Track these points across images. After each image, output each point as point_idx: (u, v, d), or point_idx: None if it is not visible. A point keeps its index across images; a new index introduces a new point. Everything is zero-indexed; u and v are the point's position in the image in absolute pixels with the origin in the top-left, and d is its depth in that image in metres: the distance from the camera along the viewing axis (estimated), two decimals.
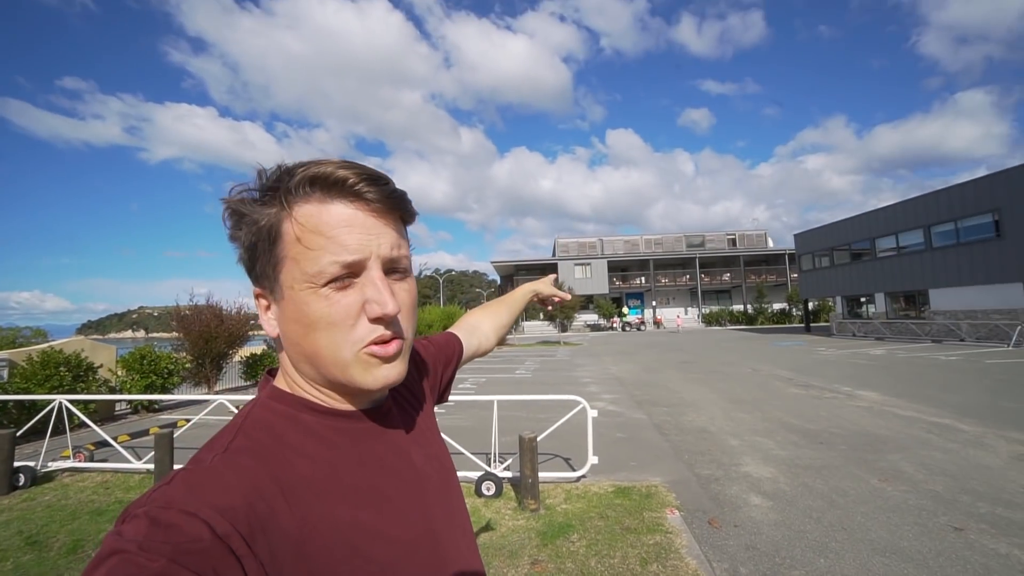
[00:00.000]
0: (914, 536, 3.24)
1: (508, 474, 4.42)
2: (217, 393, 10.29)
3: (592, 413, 4.44)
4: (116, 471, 5.22)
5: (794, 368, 12.12)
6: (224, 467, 0.47)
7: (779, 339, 22.71)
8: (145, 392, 8.46)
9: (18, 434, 4.99)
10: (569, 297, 1.30)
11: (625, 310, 40.89)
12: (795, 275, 33.77)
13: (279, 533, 0.45)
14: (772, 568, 2.92)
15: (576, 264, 42.36)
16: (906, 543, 3.15)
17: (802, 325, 30.77)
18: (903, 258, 20.38)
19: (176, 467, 0.57)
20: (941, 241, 18.56)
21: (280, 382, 0.59)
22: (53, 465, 5.23)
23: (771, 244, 45.05)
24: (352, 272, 0.51)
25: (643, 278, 43.31)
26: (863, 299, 23.95)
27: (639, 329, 38.58)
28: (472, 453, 4.60)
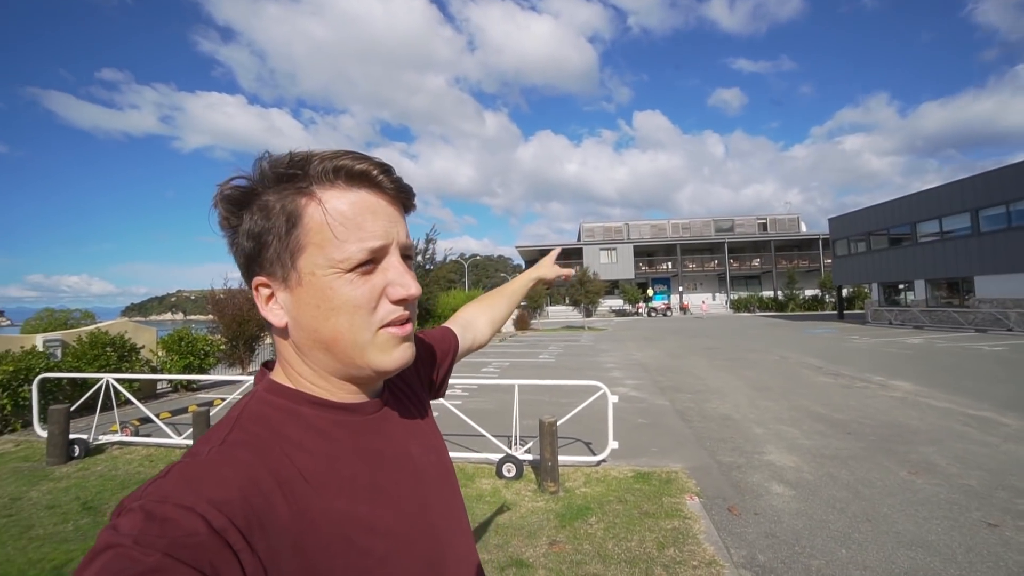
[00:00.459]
0: (943, 530, 3.16)
1: (529, 457, 4.49)
2: (250, 374, 10.71)
3: (613, 399, 4.46)
4: (159, 445, 5.54)
5: (824, 356, 11.81)
6: (220, 460, 0.46)
7: (810, 326, 22.09)
8: (183, 372, 8.89)
9: (72, 409, 5.34)
10: (572, 272, 1.28)
11: (650, 292, 40.37)
12: (829, 261, 32.70)
13: (276, 527, 0.45)
14: (791, 556, 2.91)
15: (602, 249, 41.92)
16: (934, 537, 3.08)
17: (835, 312, 29.80)
18: (947, 243, 19.40)
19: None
20: (990, 225, 17.56)
21: (279, 375, 0.58)
22: (103, 438, 5.58)
23: (804, 229, 43.53)
24: (375, 258, 0.53)
25: (670, 263, 42.58)
26: (901, 286, 23.01)
27: (665, 315, 38.07)
28: (494, 436, 4.69)
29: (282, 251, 0.52)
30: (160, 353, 9.13)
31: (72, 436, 5.21)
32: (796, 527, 3.26)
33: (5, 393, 6.39)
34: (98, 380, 5.92)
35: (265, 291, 0.55)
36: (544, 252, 42.80)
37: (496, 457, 4.47)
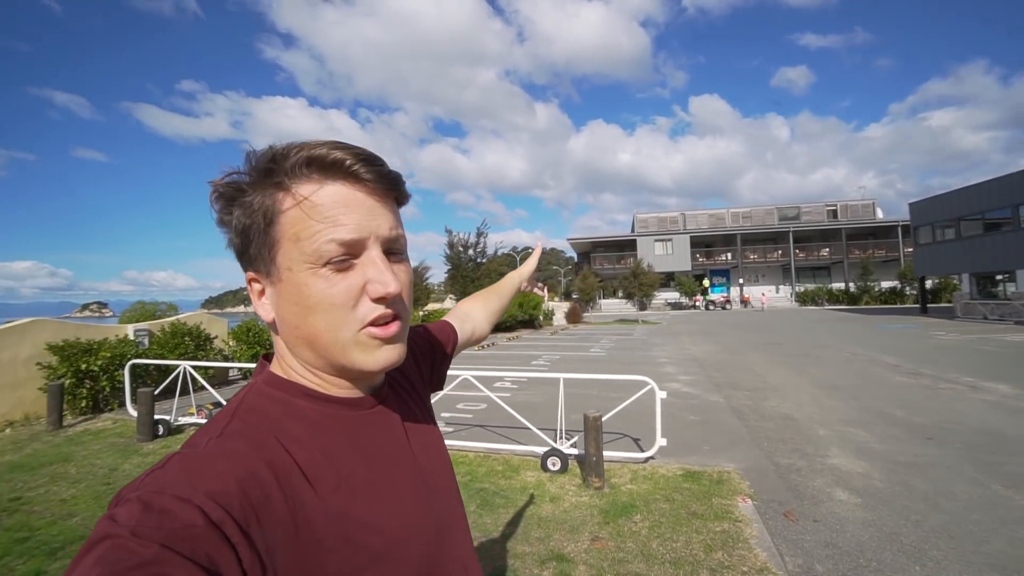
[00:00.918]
0: None
1: (574, 451, 4.45)
2: None
3: (661, 394, 4.32)
4: None
5: (903, 354, 10.85)
6: (218, 452, 0.46)
7: (887, 321, 20.37)
8: (251, 361, 9.55)
9: (156, 392, 5.87)
10: (543, 294, 1.41)
11: (705, 283, 38.74)
12: (910, 249, 29.89)
13: (272, 520, 0.45)
14: (854, 570, 2.70)
15: (656, 240, 40.66)
16: None
17: (917, 306, 27.29)
18: None
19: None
20: None
21: (276, 368, 0.58)
22: (182, 420, 6.10)
23: (880, 215, 40.08)
24: (352, 253, 0.51)
25: (729, 254, 40.61)
26: (999, 276, 20.66)
27: (724, 308, 36.47)
28: (540, 429, 4.69)
29: (262, 247, 0.52)
30: (231, 343, 9.84)
31: (156, 417, 5.74)
32: (861, 538, 3.03)
33: (104, 376, 7.14)
34: (177, 367, 6.47)
35: (256, 286, 0.55)
36: (596, 244, 42.13)
37: (541, 450, 4.46)
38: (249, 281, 0.56)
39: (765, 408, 6.39)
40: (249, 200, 0.52)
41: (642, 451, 4.62)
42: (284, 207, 0.51)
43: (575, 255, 52.12)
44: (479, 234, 24.58)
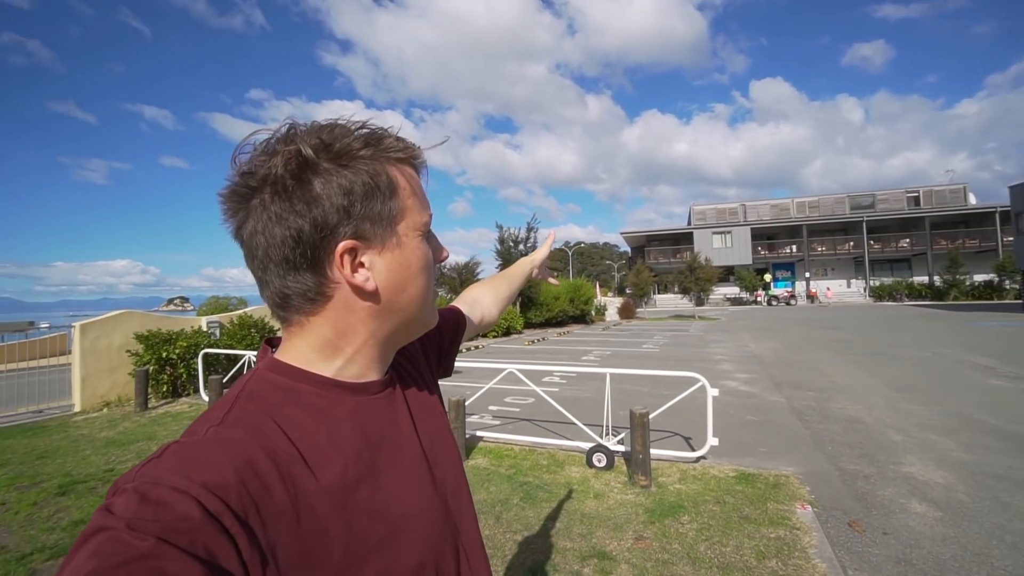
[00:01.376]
0: None
1: (621, 448, 4.35)
2: None
3: (712, 392, 4.12)
4: None
5: (998, 354, 9.75)
6: (216, 441, 0.45)
7: (980, 318, 18.40)
8: None
9: (224, 380, 6.33)
10: (556, 282, 1.37)
11: (767, 277, 36.64)
12: (1010, 238, 26.80)
13: (272, 510, 0.44)
14: None
15: (714, 232, 38.98)
16: None
17: (1018, 302, 24.47)
18: None
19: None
20: None
21: (283, 354, 0.56)
22: None
23: (973, 201, 36.18)
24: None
25: (794, 246, 38.17)
26: None
27: (788, 303, 34.39)
28: (586, 425, 4.62)
29: (382, 213, 0.54)
30: None
31: None
32: (941, 556, 2.74)
33: (181, 364, 7.79)
34: (243, 356, 6.93)
35: (349, 257, 0.52)
36: (651, 238, 41.09)
37: (587, 446, 4.40)
38: (347, 251, 0.52)
39: (831, 409, 5.96)
40: (366, 168, 0.53)
41: (693, 450, 4.44)
42: (400, 180, 0.56)
43: (629, 249, 50.98)
44: (529, 229, 24.60)
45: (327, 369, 0.55)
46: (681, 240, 41.00)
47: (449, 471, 0.65)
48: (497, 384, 5.34)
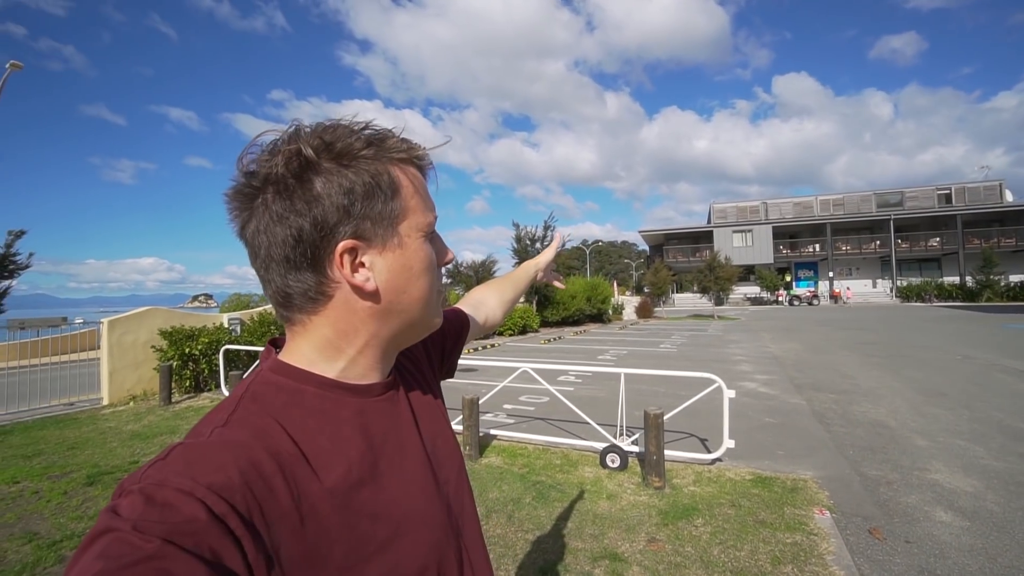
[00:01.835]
0: None
1: (635, 449, 4.32)
2: None
3: (729, 393, 4.06)
4: None
5: None
6: (222, 442, 0.46)
7: (1015, 320, 17.72)
8: None
9: (244, 376, 6.46)
10: (562, 285, 1.34)
11: (787, 277, 35.84)
12: None
13: (276, 512, 0.44)
14: None
15: (735, 231, 38.33)
16: None
17: None
18: None
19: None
20: None
21: (286, 355, 0.56)
22: None
23: (1009, 198, 34.80)
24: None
25: (817, 245, 37.29)
26: None
27: (811, 303, 33.64)
28: (600, 424, 4.59)
29: (384, 214, 0.53)
30: None
31: None
32: (967, 567, 2.65)
33: (204, 360, 7.98)
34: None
35: (349, 257, 0.52)
36: (670, 236, 40.54)
37: (601, 446, 4.37)
38: (347, 250, 0.52)
39: (853, 413, 5.81)
40: (368, 168, 0.53)
41: (708, 452, 4.38)
42: (403, 181, 0.56)
43: (647, 248, 50.46)
44: (546, 227, 24.56)
45: (329, 370, 0.55)
46: (701, 239, 40.40)
47: (451, 472, 0.65)
48: (512, 382, 5.34)
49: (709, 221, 41.59)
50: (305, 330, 0.55)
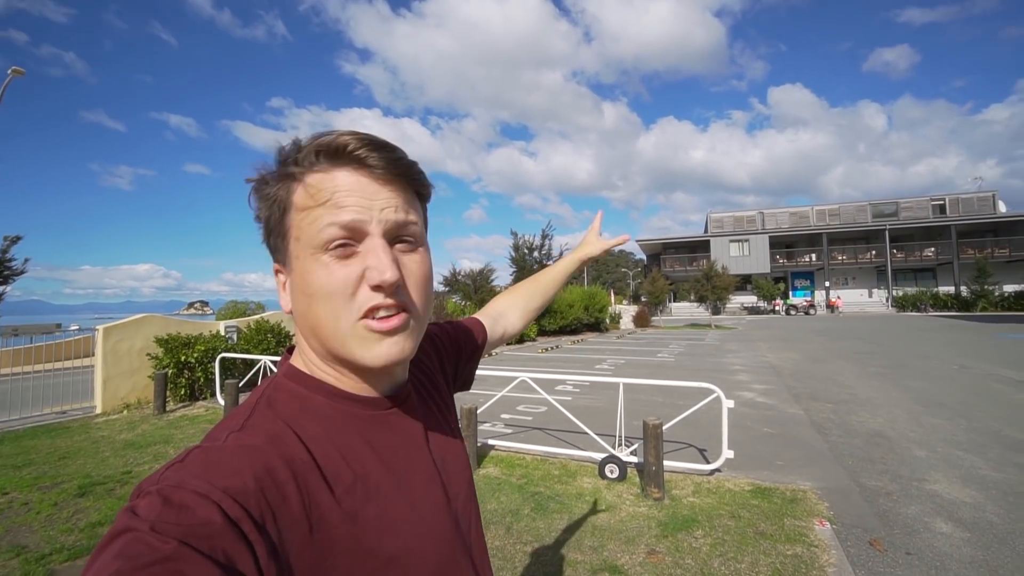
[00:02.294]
0: None
1: (634, 459, 4.29)
2: None
3: (728, 403, 4.04)
4: None
5: None
6: (238, 447, 0.46)
7: (1010, 330, 17.80)
8: None
9: (240, 384, 6.42)
10: (627, 238, 1.14)
11: (780, 286, 35.98)
12: None
13: (289, 518, 0.44)
14: None
15: (732, 241, 38.47)
16: None
17: None
18: None
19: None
20: None
21: (297, 361, 0.57)
22: None
23: (1003, 208, 35.11)
24: (353, 238, 0.50)
25: (813, 255, 37.49)
26: None
27: (807, 313, 33.71)
28: (599, 435, 4.56)
29: (279, 237, 0.53)
30: None
31: None
32: None
33: (199, 368, 7.91)
34: (259, 361, 7.02)
35: (281, 277, 0.56)
36: (667, 245, 40.65)
37: (599, 456, 4.34)
38: (275, 273, 0.57)
39: (851, 423, 5.80)
40: (268, 192, 0.53)
41: (708, 463, 4.35)
42: (295, 197, 0.51)
43: (644, 257, 50.59)
44: (544, 236, 24.66)
45: (329, 377, 0.55)
46: (697, 248, 40.53)
47: (461, 489, 0.64)
48: (509, 392, 5.32)
49: (706, 230, 41.76)
50: (297, 338, 0.59)
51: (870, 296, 37.08)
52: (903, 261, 35.65)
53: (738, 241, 38.40)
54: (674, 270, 40.09)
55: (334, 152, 0.50)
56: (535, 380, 5.07)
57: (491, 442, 5.13)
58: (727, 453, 4.03)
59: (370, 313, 0.50)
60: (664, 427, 3.85)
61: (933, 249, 34.94)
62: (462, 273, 23.31)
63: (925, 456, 4.58)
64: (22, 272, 12.46)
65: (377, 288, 0.49)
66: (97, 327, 7.72)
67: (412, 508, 0.54)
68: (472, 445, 4.51)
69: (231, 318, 13.09)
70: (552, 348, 15.62)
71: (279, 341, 9.34)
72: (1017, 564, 2.76)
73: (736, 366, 10.87)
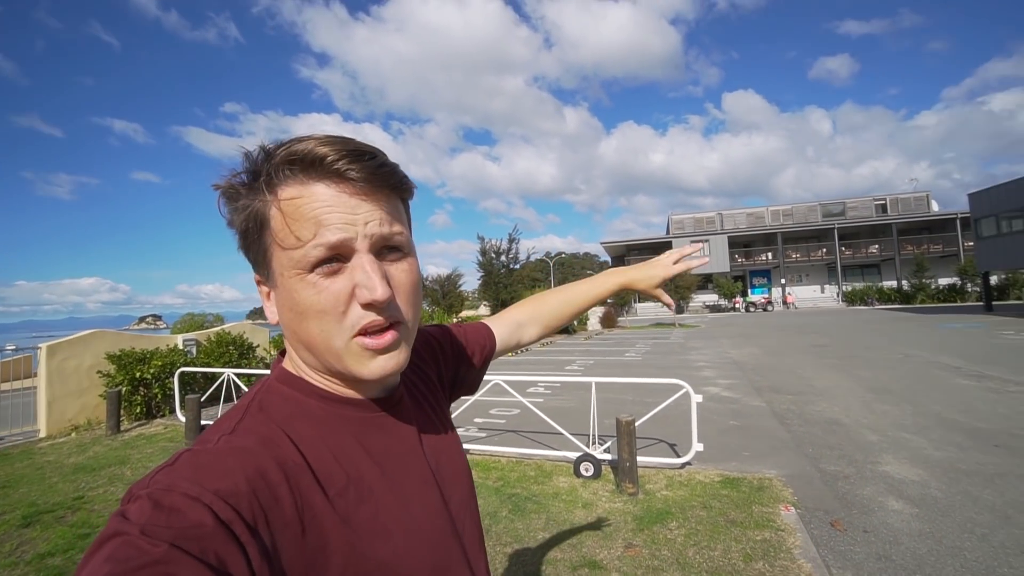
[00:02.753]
0: None
1: (608, 456, 4.37)
2: None
3: (696, 398, 4.18)
4: None
5: (965, 355, 10.12)
6: (229, 449, 0.46)
7: (946, 320, 19.09)
8: None
9: (203, 399, 6.15)
10: (671, 303, 1.09)
11: (743, 286, 37.46)
12: (971, 243, 27.97)
13: (281, 520, 0.44)
14: None
15: (692, 241, 39.45)
16: None
17: (980, 304, 25.48)
18: None
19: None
20: None
21: (288, 364, 0.57)
22: None
23: (935, 208, 37.71)
24: (341, 255, 0.48)
25: (770, 254, 39.12)
26: None
27: (765, 309, 35.15)
28: (572, 434, 4.62)
29: (259, 252, 0.52)
30: (272, 351, 10.21)
31: (203, 422, 5.99)
32: (919, 551, 2.82)
33: (156, 384, 7.53)
34: (221, 374, 6.76)
35: (264, 288, 0.55)
36: (631, 247, 41.46)
37: (574, 455, 4.40)
38: (257, 283, 0.56)
39: (810, 412, 6.09)
40: (243, 204, 0.50)
41: (678, 457, 4.48)
42: (271, 211, 0.49)
43: (609, 259, 51.50)
44: (511, 240, 24.78)
45: (324, 384, 0.55)
46: (660, 249, 40.09)
47: (458, 492, 0.63)
48: (482, 396, 5.32)
49: (668, 232, 42.94)
50: (286, 343, 0.58)
51: (822, 292, 38.97)
52: (851, 258, 37.68)
53: (698, 242, 39.60)
54: None
55: (310, 164, 0.47)
56: (508, 382, 5.10)
57: (466, 446, 5.11)
58: (697, 446, 4.17)
59: (363, 331, 0.49)
60: (636, 424, 3.94)
61: (877, 246, 37.11)
62: (429, 279, 23.14)
63: (877, 440, 4.87)
64: None
65: (368, 306, 0.49)
66: (39, 345, 7.24)
67: (406, 510, 0.54)
68: None
69: (188, 331, 12.54)
70: (522, 351, 15.68)
71: (241, 353, 9.02)
72: (960, 534, 2.98)
73: (701, 362, 11.22)
